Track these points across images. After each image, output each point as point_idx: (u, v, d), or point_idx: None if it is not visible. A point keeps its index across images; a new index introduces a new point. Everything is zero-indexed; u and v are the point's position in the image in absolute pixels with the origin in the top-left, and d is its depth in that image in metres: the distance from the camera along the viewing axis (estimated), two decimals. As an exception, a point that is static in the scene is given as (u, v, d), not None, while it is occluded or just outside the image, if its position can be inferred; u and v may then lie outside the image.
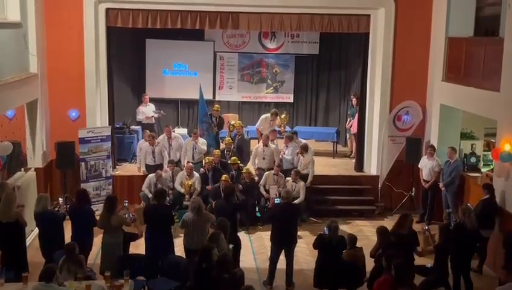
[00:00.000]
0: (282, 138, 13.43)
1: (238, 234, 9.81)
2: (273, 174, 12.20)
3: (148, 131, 13.53)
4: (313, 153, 13.11)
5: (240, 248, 9.19)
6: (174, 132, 14.02)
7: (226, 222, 8.35)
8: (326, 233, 8.44)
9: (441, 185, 11.86)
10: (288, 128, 14.76)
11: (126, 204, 9.74)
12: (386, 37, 12.98)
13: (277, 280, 9.36)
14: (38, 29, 11.90)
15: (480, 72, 11.07)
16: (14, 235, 8.62)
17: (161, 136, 13.53)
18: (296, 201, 11.49)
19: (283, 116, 14.27)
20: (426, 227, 9.91)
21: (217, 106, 14.33)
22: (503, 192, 9.95)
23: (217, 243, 7.64)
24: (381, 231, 8.42)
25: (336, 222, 8.54)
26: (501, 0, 10.78)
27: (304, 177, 12.15)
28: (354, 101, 14.98)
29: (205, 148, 13.01)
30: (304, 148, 12.41)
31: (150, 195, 11.63)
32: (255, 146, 13.14)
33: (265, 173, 12.32)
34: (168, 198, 11.46)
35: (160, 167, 12.56)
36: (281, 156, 12.72)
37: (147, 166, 12.80)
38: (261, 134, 13.75)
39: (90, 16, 12.47)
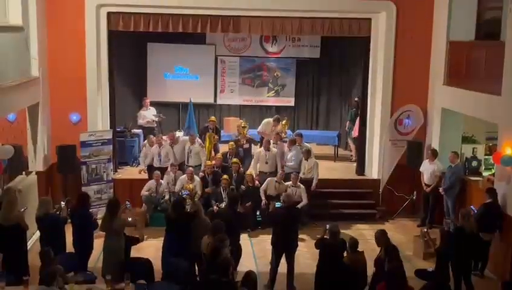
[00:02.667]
0: (284, 142, 13.46)
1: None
2: (275, 181, 12.18)
3: (151, 136, 13.52)
4: (314, 156, 13.11)
5: (240, 256, 9.17)
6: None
7: (221, 225, 8.32)
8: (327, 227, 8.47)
9: (440, 189, 11.86)
10: (289, 133, 14.75)
11: (128, 205, 9.74)
12: (387, 41, 13.00)
13: (278, 284, 9.34)
14: (39, 32, 11.93)
15: (481, 75, 11.07)
16: (15, 238, 8.61)
17: (164, 138, 13.57)
18: (299, 205, 11.50)
19: (284, 122, 14.24)
20: (425, 229, 9.89)
21: (212, 117, 14.36)
22: (505, 196, 9.93)
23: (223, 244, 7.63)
24: (384, 233, 8.37)
25: (336, 226, 8.52)
26: (502, 4, 10.79)
27: (309, 182, 12.14)
28: (354, 105, 15.12)
29: (202, 152, 12.95)
30: (308, 153, 12.40)
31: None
32: (257, 150, 13.12)
33: (268, 178, 12.31)
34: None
35: (164, 169, 12.57)
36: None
37: (152, 167, 12.77)
38: (263, 137, 13.76)
39: (91, 20, 12.50)
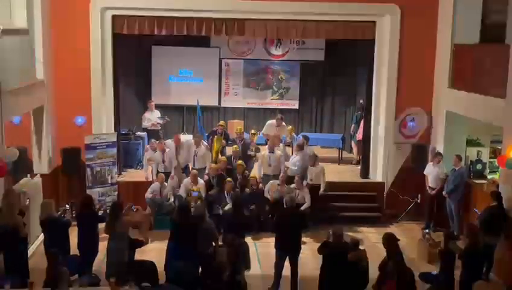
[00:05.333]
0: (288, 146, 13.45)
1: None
2: (278, 184, 12.17)
3: (154, 140, 13.52)
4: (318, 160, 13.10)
5: (249, 258, 9.17)
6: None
7: (235, 241, 8.29)
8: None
9: (444, 192, 11.83)
10: (295, 135, 14.71)
11: (133, 208, 9.76)
12: (391, 44, 12.99)
13: (282, 287, 9.32)
14: (45, 35, 11.97)
15: (486, 78, 11.06)
16: (16, 241, 8.63)
17: (169, 141, 13.56)
18: (302, 207, 11.51)
19: (289, 128, 14.15)
20: (426, 230, 9.85)
21: (221, 122, 14.40)
22: (510, 199, 9.90)
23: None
24: (390, 237, 8.34)
25: (340, 229, 8.49)
26: (507, 7, 10.79)
27: (316, 188, 12.17)
28: (359, 108, 15.15)
29: (208, 155, 12.94)
30: (315, 159, 12.39)
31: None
32: (261, 153, 13.09)
33: (270, 181, 12.30)
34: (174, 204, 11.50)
35: (169, 174, 12.59)
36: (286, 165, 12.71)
37: (156, 171, 12.76)
38: (268, 139, 13.76)
39: (96, 23, 12.53)
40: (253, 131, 13.97)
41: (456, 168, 11.70)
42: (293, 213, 9.53)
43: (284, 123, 14.30)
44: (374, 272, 8.38)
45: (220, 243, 8.77)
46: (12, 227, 8.56)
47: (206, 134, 14.40)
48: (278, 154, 12.74)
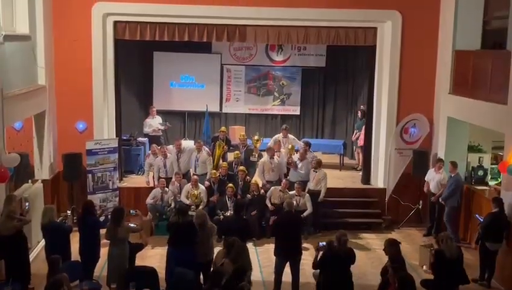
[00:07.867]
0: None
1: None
2: (279, 190, 12.15)
3: (155, 145, 13.52)
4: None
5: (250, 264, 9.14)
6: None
7: (235, 242, 8.26)
8: (322, 245, 8.28)
9: (440, 199, 11.79)
10: (295, 144, 14.64)
11: (133, 213, 9.76)
12: (392, 50, 13.00)
13: (283, 293, 9.30)
14: (46, 41, 12.00)
15: (487, 85, 11.05)
16: (16, 247, 8.62)
17: (170, 146, 13.53)
18: (304, 214, 11.49)
19: (289, 146, 13.98)
20: (428, 237, 9.78)
21: (223, 127, 14.38)
22: (511, 205, 9.88)
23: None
24: (392, 243, 8.31)
25: (345, 235, 8.33)
26: (508, 13, 10.80)
27: (317, 194, 12.14)
28: (360, 113, 15.07)
29: (209, 161, 12.91)
30: (319, 164, 12.37)
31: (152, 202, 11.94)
32: (261, 160, 13.03)
33: (272, 187, 12.29)
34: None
35: (170, 179, 12.59)
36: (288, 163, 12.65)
37: (158, 177, 12.76)
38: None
39: (98, 29, 12.57)
40: (256, 137, 13.94)
41: (452, 175, 11.70)
42: (292, 218, 9.50)
43: (290, 135, 14.11)
44: (375, 279, 8.37)
45: (221, 248, 8.74)
46: (13, 234, 8.55)
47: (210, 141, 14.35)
48: (277, 159, 12.72)
